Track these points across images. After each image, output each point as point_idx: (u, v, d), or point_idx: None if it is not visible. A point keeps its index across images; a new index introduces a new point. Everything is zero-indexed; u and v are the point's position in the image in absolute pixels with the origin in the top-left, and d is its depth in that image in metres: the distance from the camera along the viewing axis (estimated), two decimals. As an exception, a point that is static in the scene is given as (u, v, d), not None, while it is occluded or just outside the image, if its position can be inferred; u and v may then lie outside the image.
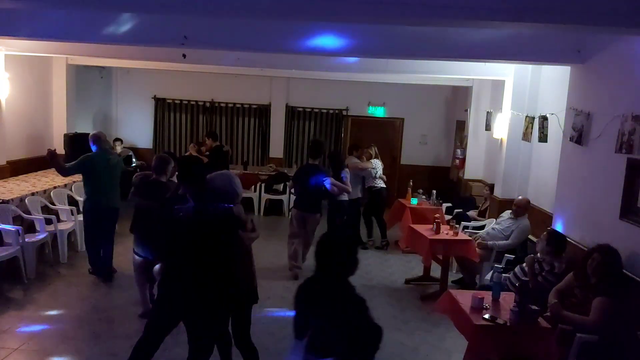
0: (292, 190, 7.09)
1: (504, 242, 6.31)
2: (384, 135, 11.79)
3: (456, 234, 6.31)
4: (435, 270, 6.61)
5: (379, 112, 11.64)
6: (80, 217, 7.23)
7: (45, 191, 7.26)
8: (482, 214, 7.87)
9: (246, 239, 3.74)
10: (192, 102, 11.51)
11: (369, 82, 10.62)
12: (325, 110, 11.56)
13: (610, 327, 3.91)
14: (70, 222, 7.09)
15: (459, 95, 11.04)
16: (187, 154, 9.29)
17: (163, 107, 11.55)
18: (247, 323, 3.88)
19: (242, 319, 3.85)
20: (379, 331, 2.58)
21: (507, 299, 4.25)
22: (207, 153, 8.82)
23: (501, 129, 7.78)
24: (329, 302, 2.55)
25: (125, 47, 7.11)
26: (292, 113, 11.57)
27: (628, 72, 4.60)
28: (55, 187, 7.43)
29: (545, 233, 5.00)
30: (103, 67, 10.73)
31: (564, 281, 4.44)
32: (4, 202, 6.30)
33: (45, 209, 6.99)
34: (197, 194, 3.51)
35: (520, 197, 6.52)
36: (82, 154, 6.18)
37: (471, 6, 3.59)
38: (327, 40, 5.68)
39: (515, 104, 7.35)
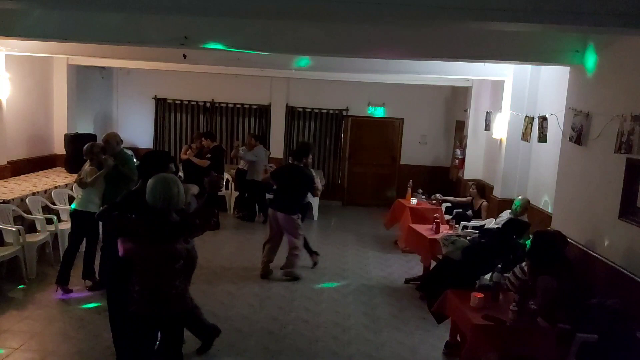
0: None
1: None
2: (384, 135, 11.81)
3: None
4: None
5: (378, 112, 11.65)
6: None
7: (45, 191, 7.26)
8: (477, 214, 7.86)
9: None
10: (192, 102, 11.52)
11: (369, 82, 10.63)
12: (325, 110, 11.57)
13: (556, 304, 4.05)
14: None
15: (459, 96, 11.05)
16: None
17: (163, 107, 11.56)
18: None
19: None
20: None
21: (507, 299, 4.27)
22: (208, 155, 8.73)
23: (500, 129, 7.80)
24: None
25: (125, 47, 7.12)
26: (292, 113, 11.58)
27: (627, 72, 4.61)
28: (55, 187, 7.43)
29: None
30: (103, 68, 10.73)
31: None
32: (4, 202, 6.31)
33: (46, 209, 6.99)
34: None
35: (520, 197, 6.53)
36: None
37: (471, 6, 3.59)
38: (327, 41, 5.70)
39: (515, 104, 7.37)
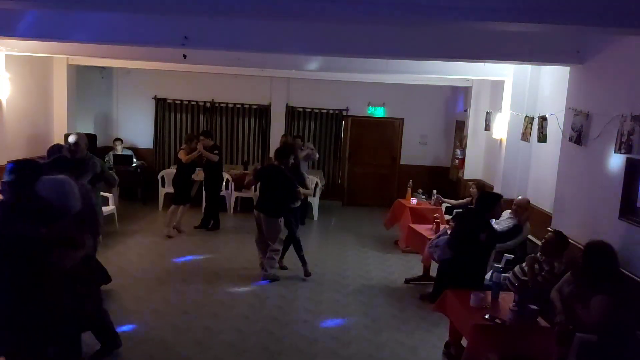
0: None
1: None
2: (384, 135, 11.81)
3: (456, 233, 6.31)
4: (435, 270, 6.60)
5: (378, 112, 11.65)
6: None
7: (45, 191, 7.25)
8: None
9: (67, 259, 3.15)
10: (192, 103, 11.52)
11: (369, 82, 10.62)
12: (325, 110, 11.57)
13: (610, 326, 3.89)
14: (70, 222, 7.07)
15: (459, 96, 11.05)
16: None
17: (163, 108, 11.56)
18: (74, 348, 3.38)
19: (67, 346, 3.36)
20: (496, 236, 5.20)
21: (507, 299, 4.27)
22: (216, 151, 8.68)
23: (500, 129, 7.80)
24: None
25: (125, 47, 7.11)
26: (292, 113, 11.58)
27: (627, 72, 4.61)
28: (55, 187, 7.42)
29: (551, 234, 4.96)
30: (103, 68, 10.73)
31: (563, 280, 4.38)
32: (4, 202, 6.30)
33: (46, 209, 6.97)
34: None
35: (520, 197, 6.52)
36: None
37: (471, 6, 3.60)
38: (328, 40, 5.70)
39: (515, 104, 7.37)
